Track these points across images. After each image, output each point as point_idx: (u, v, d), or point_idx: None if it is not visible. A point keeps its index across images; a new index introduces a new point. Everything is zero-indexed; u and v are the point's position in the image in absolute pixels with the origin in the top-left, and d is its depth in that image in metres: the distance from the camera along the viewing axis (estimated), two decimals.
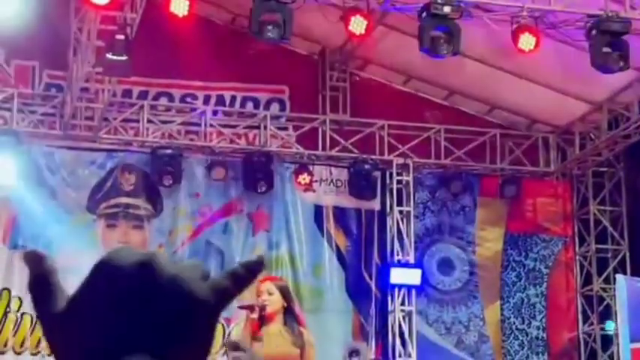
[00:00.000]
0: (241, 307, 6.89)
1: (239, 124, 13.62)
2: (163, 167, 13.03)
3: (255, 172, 13.29)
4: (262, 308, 6.80)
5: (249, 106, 13.81)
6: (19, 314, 12.67)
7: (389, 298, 13.61)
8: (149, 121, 13.22)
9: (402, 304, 13.53)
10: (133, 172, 13.22)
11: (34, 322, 12.70)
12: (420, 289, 13.67)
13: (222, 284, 1.12)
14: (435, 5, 10.16)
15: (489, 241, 14.35)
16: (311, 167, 13.69)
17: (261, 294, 6.84)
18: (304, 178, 13.53)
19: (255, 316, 6.78)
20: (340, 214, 13.86)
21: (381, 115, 13.81)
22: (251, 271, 1.14)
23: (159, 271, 1.11)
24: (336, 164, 13.86)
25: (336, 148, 13.75)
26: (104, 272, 1.13)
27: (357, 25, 10.59)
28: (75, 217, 12.99)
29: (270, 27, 9.94)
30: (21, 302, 12.69)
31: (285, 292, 7.01)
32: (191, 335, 1.10)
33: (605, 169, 14.31)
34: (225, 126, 13.55)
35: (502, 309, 14.23)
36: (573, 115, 13.93)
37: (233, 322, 13.13)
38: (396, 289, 13.55)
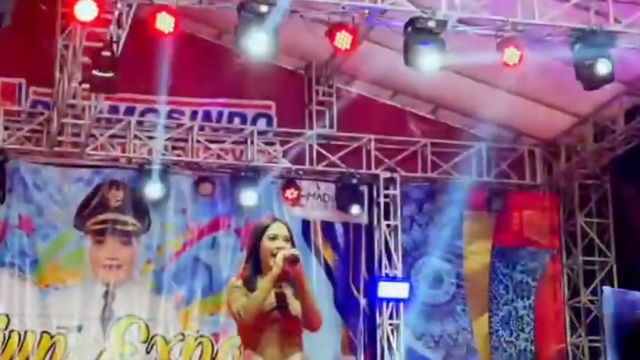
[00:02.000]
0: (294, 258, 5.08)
1: (226, 140, 13.62)
2: (151, 183, 13.03)
3: (243, 188, 13.29)
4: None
5: (236, 121, 13.82)
6: (6, 332, 12.64)
7: (377, 312, 13.62)
8: (136, 137, 13.22)
9: (391, 317, 13.54)
10: (120, 188, 13.22)
11: (22, 340, 12.68)
12: (408, 303, 13.68)
13: None
14: (419, 20, 10.20)
15: (477, 254, 14.37)
16: (298, 182, 13.72)
17: (277, 238, 5.27)
18: (292, 192, 13.55)
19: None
20: (328, 228, 13.88)
21: (368, 129, 13.84)
22: None
23: None
24: (323, 179, 13.88)
25: (323, 163, 13.77)
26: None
27: (343, 40, 10.61)
28: (62, 233, 12.97)
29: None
30: (8, 320, 12.65)
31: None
32: None
33: (591, 181, 14.36)
34: (212, 141, 13.57)
35: (490, 322, 14.24)
36: (559, 128, 13.98)
37: (222, 338, 13.12)
38: (384, 303, 13.56)
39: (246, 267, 5.24)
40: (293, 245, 5.31)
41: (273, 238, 5.25)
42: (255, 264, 5.22)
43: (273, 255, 5.12)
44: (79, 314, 12.87)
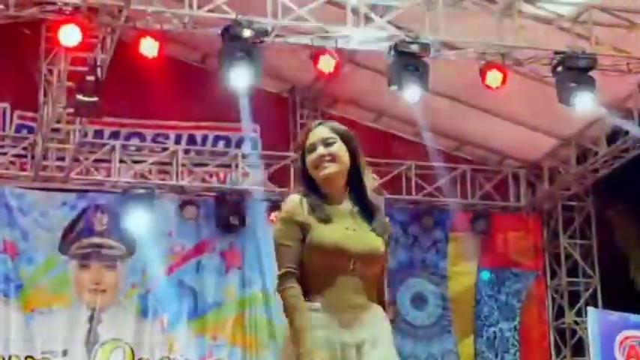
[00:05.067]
0: None
1: (211, 163, 13.64)
2: (135, 207, 13.03)
3: (228, 211, 13.31)
4: None
5: (221, 144, 13.85)
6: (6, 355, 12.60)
7: None
8: (121, 161, 13.22)
9: None
10: (105, 212, 13.21)
11: None
12: (394, 325, 13.66)
13: None
14: (403, 43, 10.25)
15: (462, 275, 14.39)
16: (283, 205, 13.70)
17: (316, 147, 4.19)
18: (277, 215, 13.54)
19: None
20: None
21: None
22: None
23: None
24: None
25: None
26: None
27: (326, 63, 10.66)
28: (47, 258, 12.94)
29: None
30: None
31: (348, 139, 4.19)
32: None
33: (574, 203, 14.42)
34: (197, 165, 13.58)
35: (476, 343, 14.25)
36: (542, 151, 14.05)
37: None
38: None
39: (300, 191, 4.36)
40: (350, 149, 4.16)
41: (312, 149, 4.23)
42: (309, 184, 4.26)
43: (316, 168, 4.18)
44: (63, 338, 12.83)
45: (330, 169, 4.17)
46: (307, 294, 4.05)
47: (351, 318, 4.10)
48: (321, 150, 4.15)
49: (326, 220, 4.16)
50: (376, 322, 4.26)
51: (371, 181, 4.35)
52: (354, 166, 4.24)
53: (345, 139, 4.22)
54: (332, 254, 4.05)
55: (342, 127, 4.27)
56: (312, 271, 4.07)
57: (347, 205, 4.20)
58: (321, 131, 4.23)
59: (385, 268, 4.27)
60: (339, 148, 4.17)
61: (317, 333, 3.97)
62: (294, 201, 4.30)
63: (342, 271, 4.04)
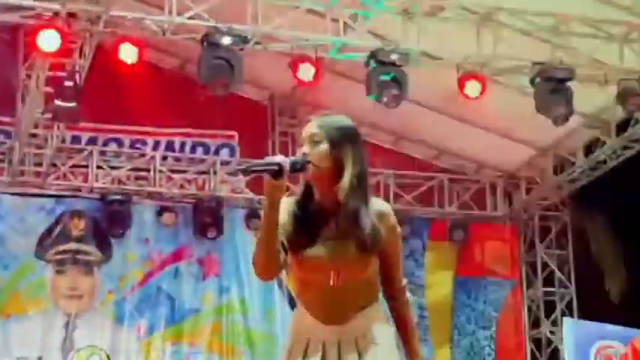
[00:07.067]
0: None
1: (189, 170, 13.63)
2: (113, 213, 13.02)
3: (206, 218, 13.30)
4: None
5: (199, 151, 13.84)
6: None
7: None
8: (98, 167, 13.20)
9: None
10: (82, 217, 13.17)
11: None
12: None
13: None
14: (381, 52, 10.28)
15: (439, 284, 14.42)
16: (261, 212, 13.71)
17: (303, 143, 3.89)
18: (255, 223, 13.54)
19: None
20: None
21: None
22: None
23: None
24: None
25: (286, 194, 13.76)
26: None
27: (305, 72, 10.69)
28: (24, 263, 12.90)
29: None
30: None
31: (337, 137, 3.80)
32: None
33: (551, 213, 14.48)
34: (175, 171, 13.56)
35: (452, 352, 14.28)
36: (520, 160, 14.10)
37: None
38: None
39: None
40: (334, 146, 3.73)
41: (300, 147, 3.94)
42: (306, 183, 4.06)
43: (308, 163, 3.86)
44: (39, 344, 12.78)
45: (309, 171, 3.89)
46: (301, 307, 3.91)
47: (339, 333, 3.87)
48: (304, 149, 3.88)
49: (306, 232, 3.90)
50: (373, 336, 3.96)
51: (350, 180, 3.89)
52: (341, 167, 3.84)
53: (333, 137, 3.85)
54: (309, 268, 3.81)
55: (334, 125, 3.91)
56: (299, 284, 3.93)
57: (334, 209, 3.84)
58: (310, 127, 3.89)
59: (392, 263, 4.05)
60: (321, 148, 3.85)
61: (302, 335, 3.86)
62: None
63: (325, 284, 3.79)
